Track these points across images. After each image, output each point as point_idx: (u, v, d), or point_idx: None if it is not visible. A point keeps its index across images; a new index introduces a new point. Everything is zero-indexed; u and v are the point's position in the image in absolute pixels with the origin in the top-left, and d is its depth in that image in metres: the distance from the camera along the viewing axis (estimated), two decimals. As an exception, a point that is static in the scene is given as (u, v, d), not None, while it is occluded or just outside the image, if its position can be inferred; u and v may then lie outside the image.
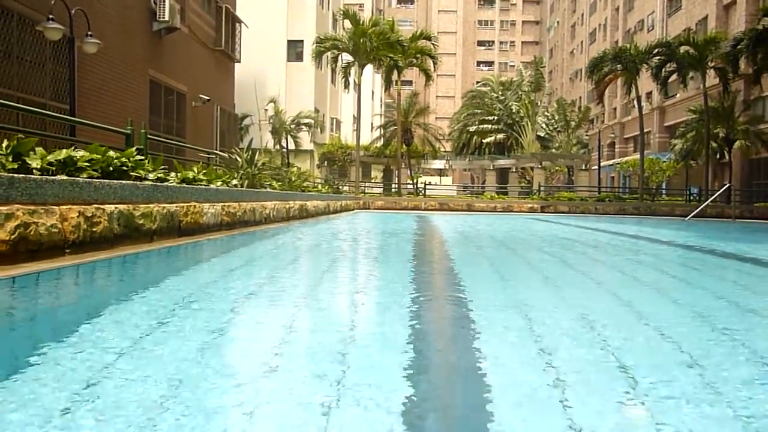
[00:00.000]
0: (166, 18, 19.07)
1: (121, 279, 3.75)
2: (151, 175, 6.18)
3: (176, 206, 5.21)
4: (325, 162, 39.12)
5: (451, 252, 7.08)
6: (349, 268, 5.29)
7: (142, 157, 6.45)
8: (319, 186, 23.29)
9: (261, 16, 33.07)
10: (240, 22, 26.76)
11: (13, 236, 3.13)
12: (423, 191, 31.91)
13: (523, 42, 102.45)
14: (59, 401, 1.53)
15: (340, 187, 28.18)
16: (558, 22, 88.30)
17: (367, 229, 10.58)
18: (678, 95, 39.95)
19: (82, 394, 1.58)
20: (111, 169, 5.44)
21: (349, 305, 3.32)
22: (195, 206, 5.66)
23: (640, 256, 7.02)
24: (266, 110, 34.04)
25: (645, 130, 51.22)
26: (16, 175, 3.25)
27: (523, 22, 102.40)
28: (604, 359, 2.16)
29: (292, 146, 34.97)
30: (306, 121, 35.05)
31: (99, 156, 5.35)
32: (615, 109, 59.09)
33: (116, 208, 4.22)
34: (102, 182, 4.12)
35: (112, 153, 5.57)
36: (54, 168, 4.76)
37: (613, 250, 7.75)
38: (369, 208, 25.02)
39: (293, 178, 14.50)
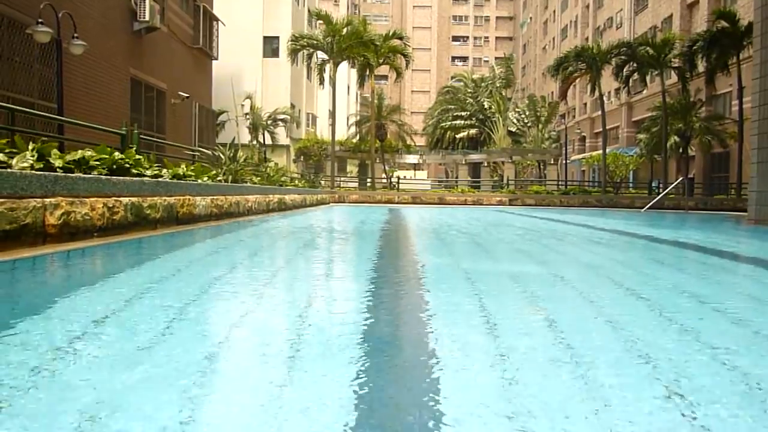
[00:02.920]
0: (147, 18, 19.69)
1: (147, 253, 4.74)
2: (148, 172, 7.04)
3: (174, 199, 6.12)
4: (302, 157, 39.88)
5: (411, 231, 8.27)
6: (325, 242, 6.40)
7: (140, 157, 7.31)
8: (296, 181, 24.14)
9: (237, 13, 33.64)
10: (217, 20, 27.40)
11: (59, 221, 4.02)
12: (397, 185, 32.92)
13: (497, 38, 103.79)
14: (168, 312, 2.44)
15: (316, 182, 29.05)
16: (531, 18, 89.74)
17: (341, 219, 11.68)
18: (645, 92, 41.49)
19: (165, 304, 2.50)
20: (115, 167, 6.31)
21: (325, 264, 4.34)
22: (189, 199, 6.58)
23: (567, 236, 8.25)
24: (242, 106, 34.67)
25: (614, 125, 53.08)
26: (59, 174, 4.13)
27: (497, 17, 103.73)
28: (515, 291, 3.14)
29: (269, 141, 35.68)
30: (282, 116, 35.78)
31: (106, 156, 6.23)
32: (585, 104, 60.72)
33: (129, 200, 5.11)
34: (118, 179, 5.01)
35: (117, 153, 6.43)
36: (72, 166, 5.63)
37: (546, 231, 9.00)
38: (344, 202, 25.94)
39: (271, 174, 15.36)
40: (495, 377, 1.73)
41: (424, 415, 1.45)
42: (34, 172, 3.98)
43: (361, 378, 1.69)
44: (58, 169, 5.35)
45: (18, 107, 8.25)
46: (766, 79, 11.40)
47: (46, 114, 8.88)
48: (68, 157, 5.64)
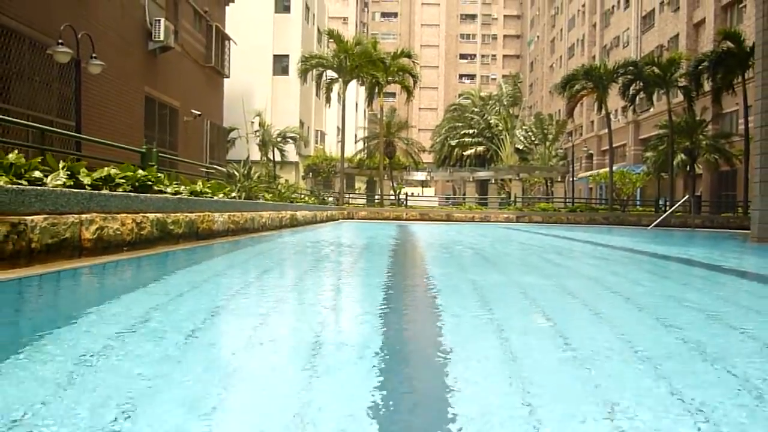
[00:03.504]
0: (161, 38, 20.15)
1: (175, 264, 5.03)
2: (169, 189, 7.33)
3: (195, 215, 6.40)
4: (311, 173, 40.28)
5: (420, 246, 8.53)
6: (338, 255, 6.64)
7: (161, 174, 7.60)
8: (306, 197, 24.47)
9: (248, 31, 34.20)
10: (229, 39, 27.94)
11: (94, 236, 4.29)
12: (405, 202, 33.19)
13: (504, 55, 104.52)
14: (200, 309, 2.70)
15: (326, 198, 29.36)
16: (538, 36, 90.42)
17: (353, 234, 11.97)
18: (652, 110, 41.76)
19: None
20: (138, 184, 6.61)
21: (340, 276, 4.60)
22: (209, 215, 6.86)
23: (572, 252, 8.47)
24: (252, 123, 35.15)
25: (622, 143, 53.29)
26: (93, 191, 4.41)
27: (505, 36, 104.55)
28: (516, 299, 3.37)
29: (278, 158, 36.10)
30: (292, 134, 36.23)
31: (130, 173, 6.53)
32: (593, 122, 61.00)
33: (155, 216, 5.39)
34: (145, 196, 5.29)
35: (140, 171, 6.73)
36: (99, 183, 5.92)
37: (549, 247, 9.23)
38: (353, 218, 26.23)
39: (282, 190, 15.66)
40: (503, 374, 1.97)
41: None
42: (71, 190, 4.26)
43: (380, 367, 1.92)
44: (87, 186, 5.63)
45: (49, 128, 8.60)
46: (767, 101, 11.64)
47: (76, 134, 9.22)
48: (95, 175, 5.93)
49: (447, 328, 2.73)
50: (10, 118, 7.68)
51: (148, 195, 5.51)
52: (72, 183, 5.45)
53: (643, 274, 6.18)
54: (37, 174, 4.94)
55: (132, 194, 5.15)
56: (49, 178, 5.11)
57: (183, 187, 8.43)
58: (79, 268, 3.95)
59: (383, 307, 3.23)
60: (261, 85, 37.16)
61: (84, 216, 4.26)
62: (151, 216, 5.33)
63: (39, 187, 3.92)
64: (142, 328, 2.41)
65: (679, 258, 7.95)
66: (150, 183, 6.88)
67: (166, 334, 2.32)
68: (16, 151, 5.14)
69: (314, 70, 30.02)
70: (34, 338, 2.18)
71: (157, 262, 4.87)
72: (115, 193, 4.91)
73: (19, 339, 2.21)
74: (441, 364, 2.09)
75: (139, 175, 6.61)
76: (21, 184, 4.26)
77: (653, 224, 23.07)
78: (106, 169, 6.17)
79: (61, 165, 5.68)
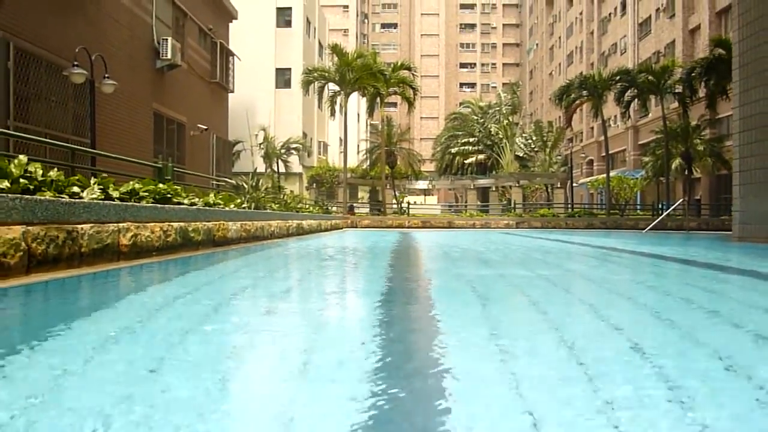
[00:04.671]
0: (169, 56, 20.90)
1: (198, 266, 5.71)
2: (185, 201, 7.97)
3: (211, 224, 7.03)
4: (314, 184, 41.00)
5: (421, 250, 9.17)
6: (345, 255, 7.32)
7: (178, 187, 8.25)
8: (310, 207, 25.13)
9: (250, 46, 34.97)
10: (233, 55, 28.73)
11: (130, 242, 4.93)
12: (407, 210, 33.84)
13: (504, 64, 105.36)
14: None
15: (329, 208, 30.03)
16: (537, 44, 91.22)
17: (357, 241, 12.64)
18: (650, 115, 42.33)
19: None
20: (158, 196, 7.25)
21: (347, 274, 5.29)
22: (223, 224, 7.49)
23: (560, 252, 9.10)
24: (256, 136, 35.91)
25: (621, 148, 53.92)
26: (128, 203, 5.04)
27: (504, 44, 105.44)
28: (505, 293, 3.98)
29: (282, 169, 36.84)
30: (295, 145, 36.97)
31: (152, 187, 7.17)
32: (592, 128, 61.64)
33: (178, 224, 6.02)
34: (170, 207, 5.93)
35: (161, 185, 7.37)
36: (126, 196, 6.56)
37: (537, 247, 9.90)
38: (357, 227, 26.85)
39: (288, 201, 16.31)
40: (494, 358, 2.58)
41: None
42: (111, 202, 4.89)
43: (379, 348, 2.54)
44: (116, 199, 6.27)
45: (79, 147, 9.24)
46: (745, 108, 12.26)
47: (103, 153, 9.90)
48: (122, 189, 6.58)
49: (435, 295, 3.38)
50: (48, 140, 8.35)
51: (171, 206, 6.16)
52: (103, 196, 6.09)
53: (617, 267, 6.89)
54: (75, 189, 5.58)
55: (159, 205, 5.79)
56: (85, 192, 5.75)
57: (197, 199, 9.06)
58: (123, 268, 4.59)
59: (388, 282, 3.87)
60: (264, 99, 37.93)
61: (121, 225, 4.90)
62: (175, 224, 5.97)
63: (85, 200, 4.56)
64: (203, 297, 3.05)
65: (653, 254, 8.61)
66: (170, 196, 7.51)
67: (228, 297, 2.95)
68: (56, 169, 5.78)
69: (316, 83, 30.78)
70: (132, 316, 2.83)
71: (188, 263, 5.57)
72: (145, 204, 5.55)
73: (116, 318, 2.83)
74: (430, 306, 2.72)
75: (160, 189, 7.25)
76: (63, 198, 4.90)
77: (648, 228, 23.64)
78: (131, 183, 6.80)
79: (92, 181, 6.31)
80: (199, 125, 24.11)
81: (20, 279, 3.56)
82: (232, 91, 29.02)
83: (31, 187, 4.86)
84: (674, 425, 1.49)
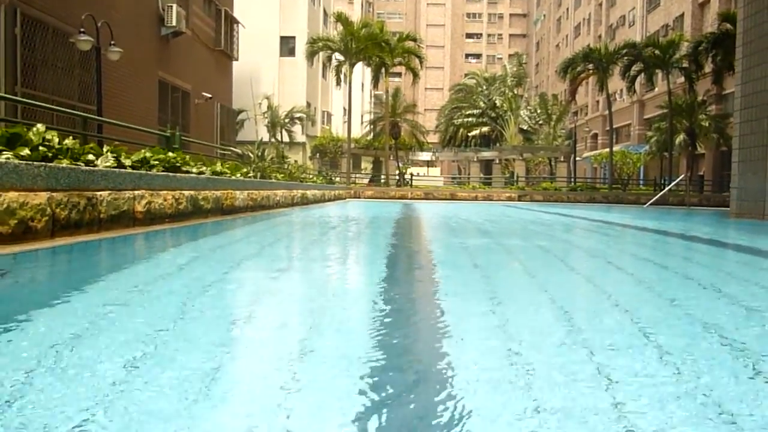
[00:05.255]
0: (173, 23, 20.87)
1: (205, 233, 5.96)
2: (194, 170, 8.17)
3: (220, 192, 7.26)
4: (317, 154, 41.05)
5: (423, 220, 9.49)
6: (349, 225, 7.61)
7: (186, 156, 8.45)
8: (314, 177, 25.30)
9: (254, 14, 34.72)
10: (237, 22, 28.59)
11: (144, 209, 5.16)
12: (410, 182, 33.98)
13: (510, 35, 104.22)
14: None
15: (333, 178, 30.20)
16: (544, 15, 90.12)
17: (361, 211, 12.99)
18: (656, 89, 42.15)
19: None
20: (168, 165, 7.45)
21: (353, 240, 5.55)
22: (231, 193, 7.71)
23: (554, 224, 9.40)
24: (260, 105, 35.87)
25: (626, 122, 53.68)
26: (142, 172, 5.25)
27: (511, 15, 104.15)
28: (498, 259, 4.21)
29: (286, 139, 36.88)
30: (299, 115, 36.94)
31: (162, 156, 7.37)
32: (598, 102, 61.32)
33: (189, 193, 6.25)
34: (181, 175, 6.14)
35: (170, 153, 7.57)
36: (138, 164, 6.77)
37: (541, 222, 10.17)
38: (359, 197, 27.06)
39: (293, 171, 16.49)
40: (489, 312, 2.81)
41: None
42: (126, 170, 5.10)
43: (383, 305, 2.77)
44: (128, 167, 6.48)
45: (88, 115, 9.42)
46: (747, 85, 12.33)
47: (112, 120, 10.06)
48: (134, 157, 6.78)
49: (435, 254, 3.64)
50: (61, 109, 8.52)
51: (182, 175, 6.37)
52: (116, 164, 6.29)
53: (606, 238, 7.21)
54: (91, 157, 5.79)
55: (170, 174, 6.00)
56: (99, 160, 5.95)
57: (205, 168, 9.26)
58: (140, 233, 4.84)
59: (391, 250, 4.14)
60: (268, 67, 37.76)
61: (136, 192, 5.12)
62: (186, 193, 6.19)
63: (103, 169, 4.77)
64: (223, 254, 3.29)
65: (644, 227, 8.95)
66: (179, 164, 7.71)
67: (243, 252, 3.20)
68: (71, 137, 5.97)
69: (321, 53, 30.66)
70: (148, 276, 3.09)
71: (205, 228, 5.87)
72: (158, 173, 5.76)
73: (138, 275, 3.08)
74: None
75: (169, 158, 7.44)
76: (80, 166, 5.11)
77: (649, 202, 23.80)
78: (142, 151, 7.00)
79: (105, 149, 6.51)
80: (203, 93, 24.14)
81: (46, 242, 3.80)
82: (237, 59, 28.95)
83: (50, 155, 5.06)
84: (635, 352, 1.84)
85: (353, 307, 2.56)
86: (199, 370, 1.56)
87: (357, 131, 45.24)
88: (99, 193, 4.48)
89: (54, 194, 3.89)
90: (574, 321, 2.31)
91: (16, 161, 3.66)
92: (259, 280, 3.07)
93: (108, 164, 5.90)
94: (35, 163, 3.85)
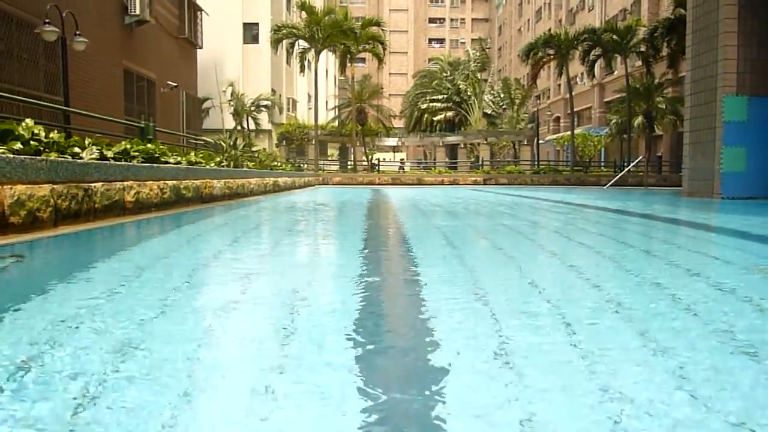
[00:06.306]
0: (137, 12, 20.75)
1: (193, 219, 6.29)
2: (171, 160, 8.43)
3: (199, 181, 7.54)
4: (284, 141, 41.06)
5: (392, 204, 9.93)
6: (325, 210, 8.07)
7: (164, 147, 8.68)
8: (284, 165, 25.48)
9: (218, 0, 34.48)
10: (201, 10, 28.42)
11: (133, 199, 5.45)
12: (377, 167, 34.37)
13: (473, 19, 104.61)
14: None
15: (301, 166, 30.40)
16: None
17: (333, 197, 13.43)
18: (616, 73, 43.09)
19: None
20: (147, 156, 7.70)
21: (330, 222, 5.94)
22: (209, 182, 8.00)
23: (517, 205, 10.04)
24: (225, 92, 35.69)
25: (587, 105, 54.84)
26: (130, 164, 5.53)
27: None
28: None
29: (252, 127, 36.82)
30: (265, 102, 36.87)
31: (142, 147, 7.62)
32: (559, 85, 62.35)
33: (172, 183, 6.53)
34: (165, 166, 6.42)
35: (150, 145, 7.81)
36: (120, 156, 7.01)
37: (505, 203, 10.79)
38: (328, 184, 27.36)
39: (263, 159, 16.71)
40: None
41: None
42: (116, 162, 5.38)
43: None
44: (110, 159, 6.72)
45: (74, 110, 9.50)
46: (696, 71, 13.03)
47: (100, 115, 10.18)
48: (115, 149, 7.02)
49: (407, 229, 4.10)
50: (44, 103, 8.63)
51: (166, 165, 6.65)
52: (99, 156, 6.54)
53: (561, 215, 7.81)
54: (77, 149, 6.04)
55: (154, 165, 6.28)
56: (85, 152, 6.20)
57: (181, 158, 9.50)
58: (132, 221, 5.15)
59: (366, 231, 4.55)
60: (232, 54, 37.51)
61: (125, 183, 5.40)
62: (170, 182, 6.47)
63: (96, 161, 5.05)
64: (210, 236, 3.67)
65: (598, 206, 9.65)
66: (157, 155, 7.96)
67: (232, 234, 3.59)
68: (56, 131, 6.21)
69: (286, 40, 30.67)
70: (153, 258, 3.43)
71: (190, 215, 6.21)
72: (144, 164, 6.03)
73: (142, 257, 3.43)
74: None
75: (149, 149, 7.69)
76: (75, 160, 5.37)
77: (609, 184, 24.67)
78: (122, 143, 7.24)
79: (87, 142, 6.74)
80: (168, 82, 24.05)
81: (51, 231, 4.09)
82: (201, 47, 28.80)
83: (40, 148, 5.32)
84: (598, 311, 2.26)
85: (342, 272, 2.97)
86: (210, 310, 2.21)
87: (323, 117, 45.30)
88: (93, 184, 4.76)
89: (55, 186, 4.17)
90: (533, 277, 2.81)
91: (22, 156, 3.94)
92: (259, 255, 3.46)
93: (92, 156, 6.15)
94: (38, 157, 4.13)
